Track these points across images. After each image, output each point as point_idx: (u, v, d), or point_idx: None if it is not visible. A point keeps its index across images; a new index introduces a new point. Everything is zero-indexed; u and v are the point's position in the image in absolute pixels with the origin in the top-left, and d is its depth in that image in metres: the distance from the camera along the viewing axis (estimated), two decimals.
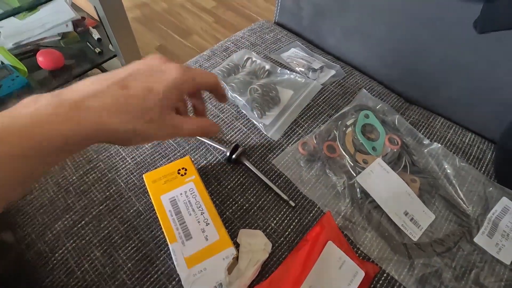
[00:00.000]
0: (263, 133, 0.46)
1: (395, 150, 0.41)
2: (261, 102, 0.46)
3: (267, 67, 0.52)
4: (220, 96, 0.29)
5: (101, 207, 0.38)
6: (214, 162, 0.43)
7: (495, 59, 0.43)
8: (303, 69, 0.53)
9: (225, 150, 0.42)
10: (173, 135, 0.24)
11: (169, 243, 0.32)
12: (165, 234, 0.33)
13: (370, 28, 0.54)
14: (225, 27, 1.48)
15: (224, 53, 0.57)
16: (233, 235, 0.37)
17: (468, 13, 0.42)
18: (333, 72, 0.54)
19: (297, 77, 0.51)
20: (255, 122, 0.46)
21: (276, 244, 0.36)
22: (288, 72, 0.52)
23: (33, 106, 0.19)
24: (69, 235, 0.36)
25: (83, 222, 0.37)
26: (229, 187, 0.41)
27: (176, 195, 0.35)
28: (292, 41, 0.60)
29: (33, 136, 0.18)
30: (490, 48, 0.43)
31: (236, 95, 0.48)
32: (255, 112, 0.46)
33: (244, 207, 0.39)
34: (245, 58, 0.54)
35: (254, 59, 0.53)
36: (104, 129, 0.20)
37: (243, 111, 0.47)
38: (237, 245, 0.35)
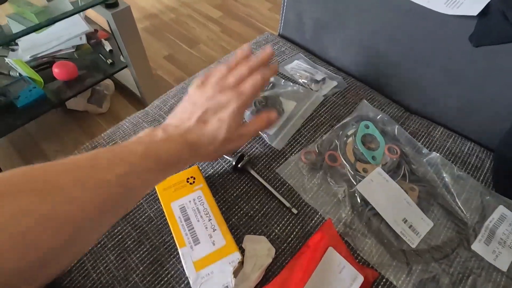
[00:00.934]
0: (267, 143, 0.48)
1: (395, 159, 0.43)
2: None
3: (272, 79, 0.54)
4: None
5: None
6: (221, 170, 0.45)
7: (491, 71, 0.45)
8: (306, 81, 0.55)
9: (231, 159, 0.44)
10: (245, 141, 0.38)
11: (178, 248, 0.34)
12: (175, 239, 0.35)
13: (369, 42, 0.56)
14: (231, 36, 1.51)
15: None
16: (238, 241, 0.39)
17: (463, 28, 0.44)
18: (335, 83, 0.56)
19: (300, 89, 0.53)
20: (260, 133, 0.48)
21: (280, 250, 0.38)
22: (292, 84, 0.54)
23: (154, 137, 0.30)
24: None
25: None
26: (234, 194, 0.43)
27: (185, 202, 0.38)
28: (296, 53, 0.63)
29: (163, 156, 0.29)
30: (486, 61, 0.44)
31: None
32: None
33: (249, 214, 0.41)
34: None
35: None
36: (198, 151, 0.32)
37: (247, 121, 0.50)
38: (242, 250, 0.37)
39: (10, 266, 0.18)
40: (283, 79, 0.56)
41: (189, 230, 0.35)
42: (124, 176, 0.25)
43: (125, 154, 0.26)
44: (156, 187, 0.39)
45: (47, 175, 0.22)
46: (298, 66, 0.58)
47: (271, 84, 0.54)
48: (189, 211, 0.37)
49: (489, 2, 0.39)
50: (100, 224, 0.25)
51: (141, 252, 0.38)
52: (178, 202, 0.37)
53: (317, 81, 0.55)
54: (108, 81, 1.16)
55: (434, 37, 0.48)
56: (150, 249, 0.38)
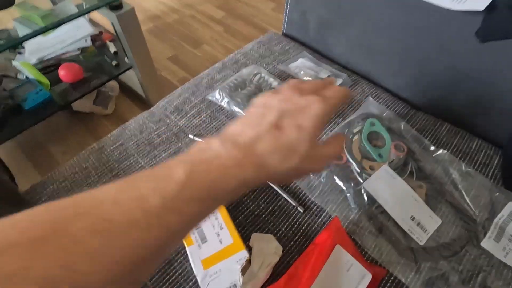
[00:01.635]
0: None
1: (401, 156, 0.42)
2: None
3: (274, 84, 0.54)
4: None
5: None
6: None
7: (498, 67, 0.44)
8: (310, 79, 0.55)
9: None
10: (324, 164, 0.26)
11: (186, 246, 0.34)
12: None
13: (374, 40, 0.56)
14: (234, 36, 1.52)
15: (235, 65, 0.60)
16: (245, 239, 0.39)
17: (470, 24, 0.43)
18: (340, 81, 0.56)
19: None
20: None
21: (286, 248, 0.38)
22: None
23: (205, 152, 0.21)
24: None
25: None
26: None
27: None
28: (300, 51, 0.63)
29: (223, 182, 0.20)
30: (493, 57, 0.44)
31: (240, 110, 0.50)
32: None
33: (256, 212, 0.41)
34: (253, 73, 0.56)
35: (263, 74, 0.56)
36: (267, 171, 0.22)
37: None
38: (249, 249, 0.37)
39: None
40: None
41: (196, 229, 0.35)
42: (157, 211, 0.17)
43: (162, 180, 0.19)
44: None
45: (53, 225, 0.16)
46: (302, 65, 0.58)
47: (273, 89, 0.54)
48: None
49: None
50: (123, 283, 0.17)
51: None
52: None
53: (321, 79, 0.55)
54: (113, 83, 1.17)
55: (440, 34, 0.47)
56: None
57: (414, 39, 0.51)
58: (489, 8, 0.39)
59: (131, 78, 1.12)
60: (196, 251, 0.34)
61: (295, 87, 0.26)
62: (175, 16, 1.63)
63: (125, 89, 1.23)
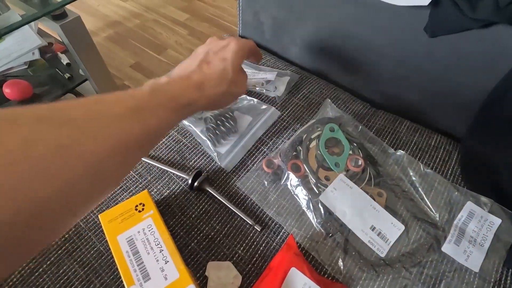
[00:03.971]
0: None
1: (358, 170, 0.40)
2: (216, 132, 0.45)
3: None
4: (258, 56, 0.41)
5: (59, 251, 0.37)
6: (178, 190, 0.42)
7: (449, 61, 0.43)
8: (263, 87, 0.52)
9: (187, 177, 0.41)
10: (245, 87, 0.36)
11: (126, 287, 0.31)
12: (122, 277, 0.31)
13: (328, 38, 0.54)
14: (200, 39, 1.47)
15: None
16: (199, 267, 0.36)
17: (419, 19, 0.42)
18: (287, 78, 0.53)
19: (256, 103, 0.50)
20: (210, 150, 0.45)
21: (244, 272, 0.35)
22: (248, 98, 0.51)
23: (159, 81, 0.28)
24: (27, 285, 0.35)
25: (40, 269, 0.36)
26: (193, 216, 0.40)
27: (134, 233, 0.34)
28: None
29: (172, 94, 0.27)
30: (443, 50, 0.43)
31: (190, 124, 0.47)
32: (209, 143, 0.44)
33: (210, 236, 0.38)
34: None
35: None
36: (206, 94, 0.30)
37: (198, 140, 0.46)
38: (205, 278, 0.34)
39: (33, 195, 0.16)
40: None
41: (138, 266, 0.32)
42: (136, 110, 0.23)
43: (132, 92, 0.25)
44: (101, 219, 0.35)
45: (52, 109, 0.19)
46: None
47: None
48: (138, 244, 0.33)
49: None
50: (119, 163, 0.22)
51: None
52: (125, 234, 0.34)
53: (272, 82, 0.52)
54: (70, 96, 1.10)
55: (390, 30, 0.46)
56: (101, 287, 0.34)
57: (367, 36, 0.49)
58: (435, 3, 0.38)
59: (90, 90, 1.05)
60: None
61: (216, 36, 0.36)
62: (136, 21, 1.56)
63: None
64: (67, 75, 0.96)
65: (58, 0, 0.77)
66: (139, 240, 0.33)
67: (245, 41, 0.36)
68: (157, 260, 0.32)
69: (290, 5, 0.55)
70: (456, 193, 0.39)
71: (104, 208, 0.40)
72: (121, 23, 1.55)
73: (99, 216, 0.35)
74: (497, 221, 0.36)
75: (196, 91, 0.29)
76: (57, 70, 0.98)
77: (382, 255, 0.35)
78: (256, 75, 0.53)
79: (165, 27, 1.53)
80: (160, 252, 0.33)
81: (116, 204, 0.39)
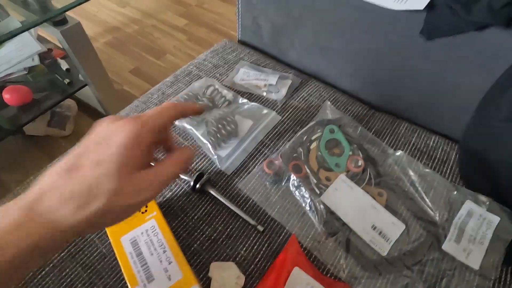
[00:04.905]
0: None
1: (359, 171, 0.41)
2: (217, 136, 0.45)
3: (228, 97, 0.51)
4: (193, 111, 0.27)
5: (62, 254, 0.37)
6: (180, 192, 0.42)
7: (446, 62, 0.44)
8: (265, 89, 0.53)
9: (189, 179, 0.41)
10: (157, 190, 0.22)
11: None
12: (126, 278, 0.31)
13: (326, 42, 0.55)
14: (198, 44, 1.48)
15: (187, 78, 0.57)
16: (202, 268, 0.36)
17: (415, 23, 0.43)
18: (289, 81, 0.54)
19: (257, 107, 0.50)
20: (210, 153, 0.45)
21: (247, 273, 0.36)
22: (249, 102, 0.51)
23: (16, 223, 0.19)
24: None
25: (43, 272, 0.36)
26: (195, 217, 0.40)
27: (137, 235, 0.34)
28: (237, 61, 0.58)
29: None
30: (440, 53, 0.44)
31: (191, 127, 0.47)
32: (210, 146, 0.45)
33: (212, 237, 0.38)
34: (206, 86, 0.53)
35: (216, 86, 0.53)
36: (63, 227, 0.19)
37: (199, 143, 0.46)
38: (208, 279, 0.34)
39: None
40: (240, 95, 0.52)
41: (141, 267, 0.32)
42: None
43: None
44: None
45: None
46: (246, 76, 0.55)
47: (227, 102, 0.51)
48: (142, 245, 0.33)
49: None
50: None
51: None
52: (129, 235, 0.34)
53: (274, 85, 0.53)
54: (70, 102, 1.10)
55: (387, 33, 0.47)
56: None
57: (365, 39, 0.50)
58: (430, 6, 0.39)
59: (89, 95, 1.06)
60: None
61: (113, 117, 0.23)
62: (135, 27, 1.57)
63: (85, 107, 1.16)
64: (66, 81, 0.96)
65: (58, 7, 0.78)
66: (143, 241, 0.34)
67: (153, 116, 0.23)
68: (161, 261, 0.32)
69: (289, 10, 0.56)
70: (455, 192, 0.39)
71: None
72: (120, 29, 1.56)
73: None
74: (496, 219, 0.37)
75: (45, 231, 0.19)
76: (56, 75, 0.98)
77: (384, 254, 0.35)
78: (258, 76, 0.54)
79: (164, 32, 1.54)
80: (164, 252, 0.33)
81: None
